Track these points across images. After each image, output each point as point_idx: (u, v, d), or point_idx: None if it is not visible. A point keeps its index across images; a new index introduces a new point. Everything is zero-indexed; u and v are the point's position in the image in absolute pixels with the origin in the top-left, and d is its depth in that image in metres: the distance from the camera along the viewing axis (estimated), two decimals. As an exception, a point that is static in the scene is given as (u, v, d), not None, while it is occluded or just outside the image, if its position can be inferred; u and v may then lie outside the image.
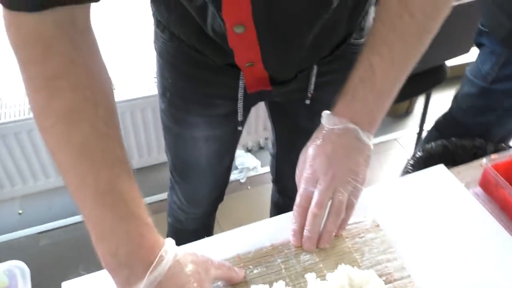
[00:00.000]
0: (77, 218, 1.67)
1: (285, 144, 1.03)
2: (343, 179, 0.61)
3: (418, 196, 0.73)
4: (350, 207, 0.63)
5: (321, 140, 0.64)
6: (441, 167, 0.79)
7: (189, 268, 0.49)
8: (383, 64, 0.61)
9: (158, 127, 1.54)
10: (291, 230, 0.64)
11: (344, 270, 0.58)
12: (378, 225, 0.67)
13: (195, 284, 0.48)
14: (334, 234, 0.63)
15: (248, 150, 1.99)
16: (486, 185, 0.75)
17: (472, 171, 0.80)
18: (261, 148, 2.01)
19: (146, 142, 1.68)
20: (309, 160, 0.64)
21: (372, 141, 0.65)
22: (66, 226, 1.67)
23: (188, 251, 0.52)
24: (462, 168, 0.81)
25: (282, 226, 0.67)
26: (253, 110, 1.07)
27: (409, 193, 0.74)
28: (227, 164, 1.01)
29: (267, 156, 1.99)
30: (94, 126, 0.47)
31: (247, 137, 1.78)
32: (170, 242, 0.50)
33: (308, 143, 0.66)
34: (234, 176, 1.86)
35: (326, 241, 0.63)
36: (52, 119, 0.47)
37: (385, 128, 2.15)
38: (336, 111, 0.64)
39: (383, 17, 0.62)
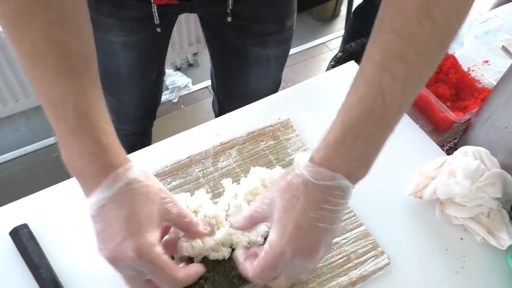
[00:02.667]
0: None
1: (220, 63, 0.99)
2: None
3: (328, 93, 0.75)
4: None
5: (295, 197, 0.45)
6: (352, 64, 0.81)
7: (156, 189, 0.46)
8: (395, 87, 0.42)
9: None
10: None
11: (255, 172, 0.59)
12: (292, 126, 0.70)
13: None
14: None
15: (178, 69, 1.93)
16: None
17: (382, 65, 0.83)
18: (190, 65, 1.95)
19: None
20: (277, 222, 0.46)
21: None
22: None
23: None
24: (372, 63, 0.84)
25: (199, 137, 0.68)
26: (176, 26, 1.01)
27: (321, 90, 0.76)
28: (153, 77, 0.97)
29: (198, 73, 1.94)
30: (44, 30, 0.42)
31: (172, 54, 1.72)
32: (136, 163, 0.46)
33: (277, 192, 0.47)
34: (165, 96, 1.82)
35: None
36: (2, 21, 0.42)
37: (314, 32, 2.14)
38: (327, 158, 0.44)
39: (397, 25, 0.42)
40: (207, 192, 0.61)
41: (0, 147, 1.60)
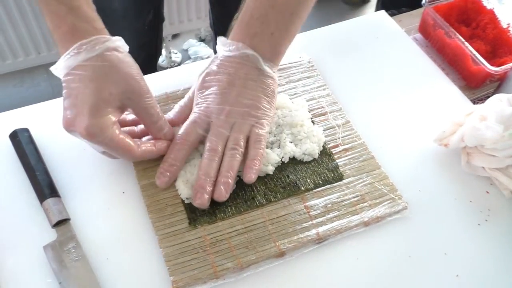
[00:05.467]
0: None
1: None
2: (240, 115, 0.52)
3: (356, 39, 0.71)
4: (255, 141, 0.52)
5: (216, 69, 0.54)
6: (382, 13, 0.76)
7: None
8: None
9: None
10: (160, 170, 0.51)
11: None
12: (313, 65, 0.66)
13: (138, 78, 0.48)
14: (231, 182, 0.50)
15: (202, 40, 1.91)
16: (424, 28, 0.74)
17: (413, 19, 0.78)
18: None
19: None
20: (201, 93, 0.54)
21: (276, 72, 0.55)
22: None
23: None
24: (404, 16, 0.80)
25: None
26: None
27: (347, 36, 0.72)
28: (149, 18, 0.93)
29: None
30: None
31: (197, 22, 1.69)
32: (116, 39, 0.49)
33: (203, 70, 0.56)
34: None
35: (221, 193, 0.49)
36: None
37: (341, 15, 2.09)
38: (233, 35, 0.54)
39: None
40: None
41: (20, 100, 1.61)
